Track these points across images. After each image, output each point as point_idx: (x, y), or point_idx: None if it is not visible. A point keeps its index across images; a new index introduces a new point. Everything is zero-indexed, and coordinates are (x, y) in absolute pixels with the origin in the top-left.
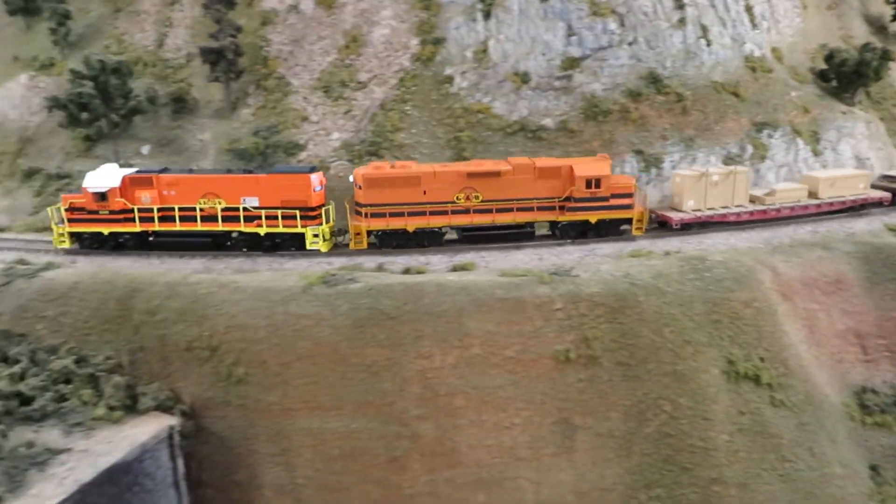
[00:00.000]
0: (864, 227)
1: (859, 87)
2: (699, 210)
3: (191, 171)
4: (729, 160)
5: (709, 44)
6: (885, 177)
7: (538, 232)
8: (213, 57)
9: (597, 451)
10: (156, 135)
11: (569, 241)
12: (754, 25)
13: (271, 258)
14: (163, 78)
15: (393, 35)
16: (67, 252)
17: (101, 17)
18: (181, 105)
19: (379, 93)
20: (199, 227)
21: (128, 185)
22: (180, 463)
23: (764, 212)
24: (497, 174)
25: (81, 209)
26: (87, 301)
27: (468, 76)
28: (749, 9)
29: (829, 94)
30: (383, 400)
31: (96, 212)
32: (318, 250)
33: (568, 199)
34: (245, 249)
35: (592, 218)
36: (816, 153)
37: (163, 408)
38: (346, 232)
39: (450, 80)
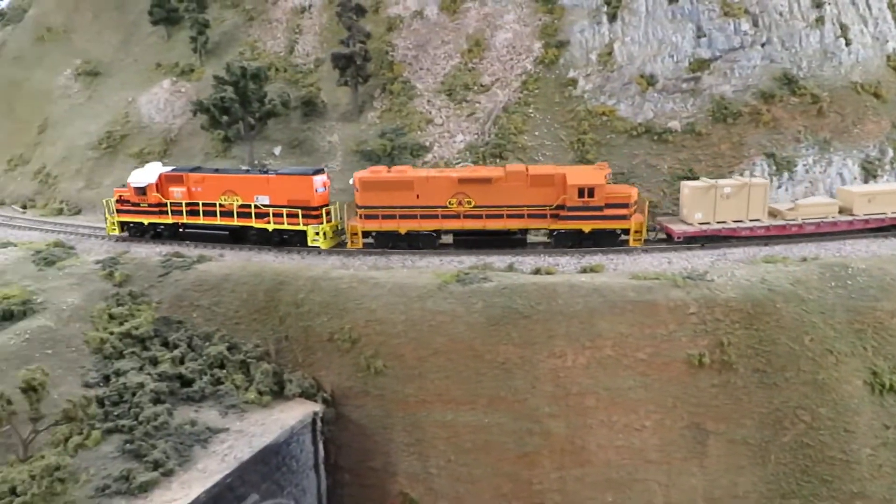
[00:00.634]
0: None
1: None
2: (707, 223)
3: (216, 170)
4: (867, 163)
5: (848, 43)
6: None
7: (538, 240)
8: (343, 62)
9: (730, 457)
10: (287, 136)
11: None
12: None
13: (403, 256)
14: (293, 82)
15: (516, 39)
16: (118, 239)
17: (235, 26)
18: (311, 108)
19: (502, 96)
20: (219, 221)
21: (163, 181)
22: (321, 447)
23: (783, 227)
24: (488, 180)
25: (127, 201)
26: (238, 292)
27: (592, 79)
28: (892, 6)
29: None
30: (515, 396)
31: (138, 204)
32: (319, 247)
33: (561, 207)
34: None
35: (586, 227)
36: None
37: (306, 395)
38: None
39: (573, 82)
